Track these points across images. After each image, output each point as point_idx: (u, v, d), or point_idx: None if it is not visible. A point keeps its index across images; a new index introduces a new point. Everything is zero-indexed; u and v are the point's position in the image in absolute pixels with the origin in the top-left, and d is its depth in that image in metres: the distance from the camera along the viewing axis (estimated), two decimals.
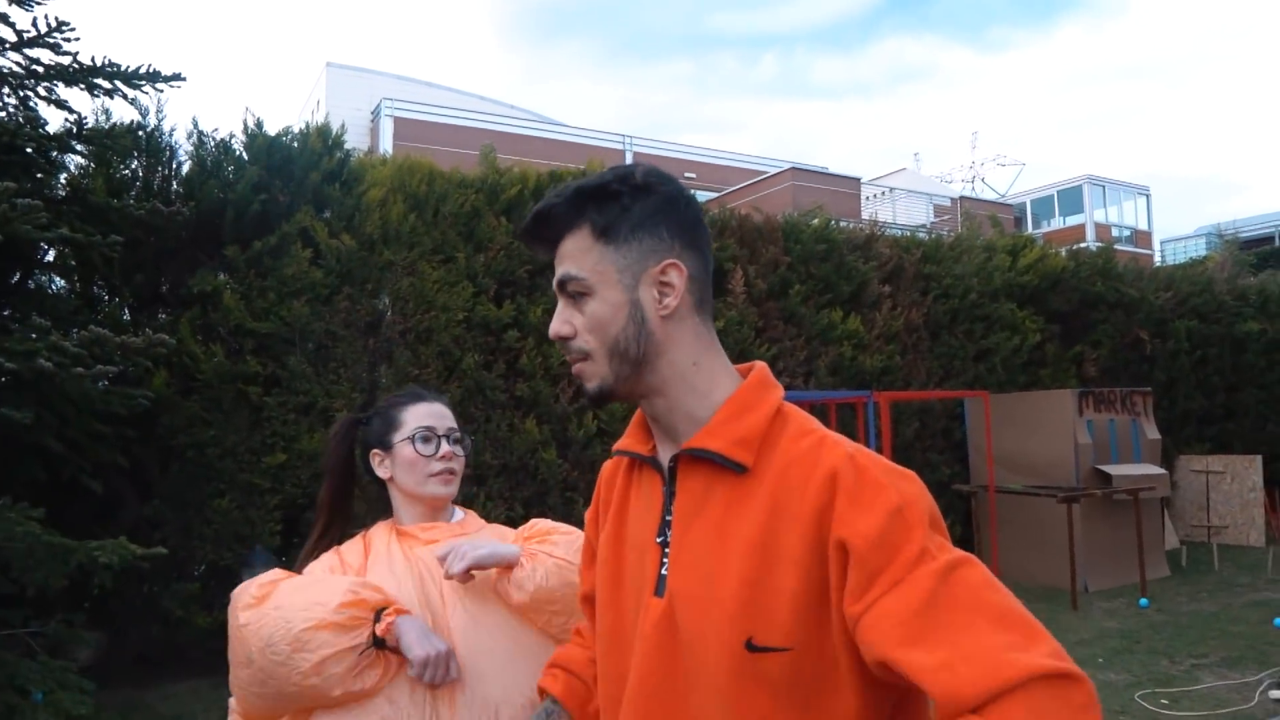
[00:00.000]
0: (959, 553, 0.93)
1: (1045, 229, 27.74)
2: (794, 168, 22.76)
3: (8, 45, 4.46)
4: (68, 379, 3.91)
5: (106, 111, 5.91)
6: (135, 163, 5.89)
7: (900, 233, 9.75)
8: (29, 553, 3.71)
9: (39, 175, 4.91)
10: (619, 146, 23.43)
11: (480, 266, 6.32)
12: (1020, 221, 28.35)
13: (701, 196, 16.54)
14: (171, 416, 5.43)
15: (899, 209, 25.81)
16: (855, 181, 23.83)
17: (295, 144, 6.04)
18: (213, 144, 5.99)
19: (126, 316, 5.76)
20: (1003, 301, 8.93)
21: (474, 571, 1.59)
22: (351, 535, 1.77)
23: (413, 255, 6.10)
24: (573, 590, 1.56)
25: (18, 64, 4.59)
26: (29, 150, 4.63)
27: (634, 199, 1.09)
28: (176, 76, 5.03)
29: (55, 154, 5.00)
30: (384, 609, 1.51)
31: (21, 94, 4.67)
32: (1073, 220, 28.10)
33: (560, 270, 1.12)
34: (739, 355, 6.33)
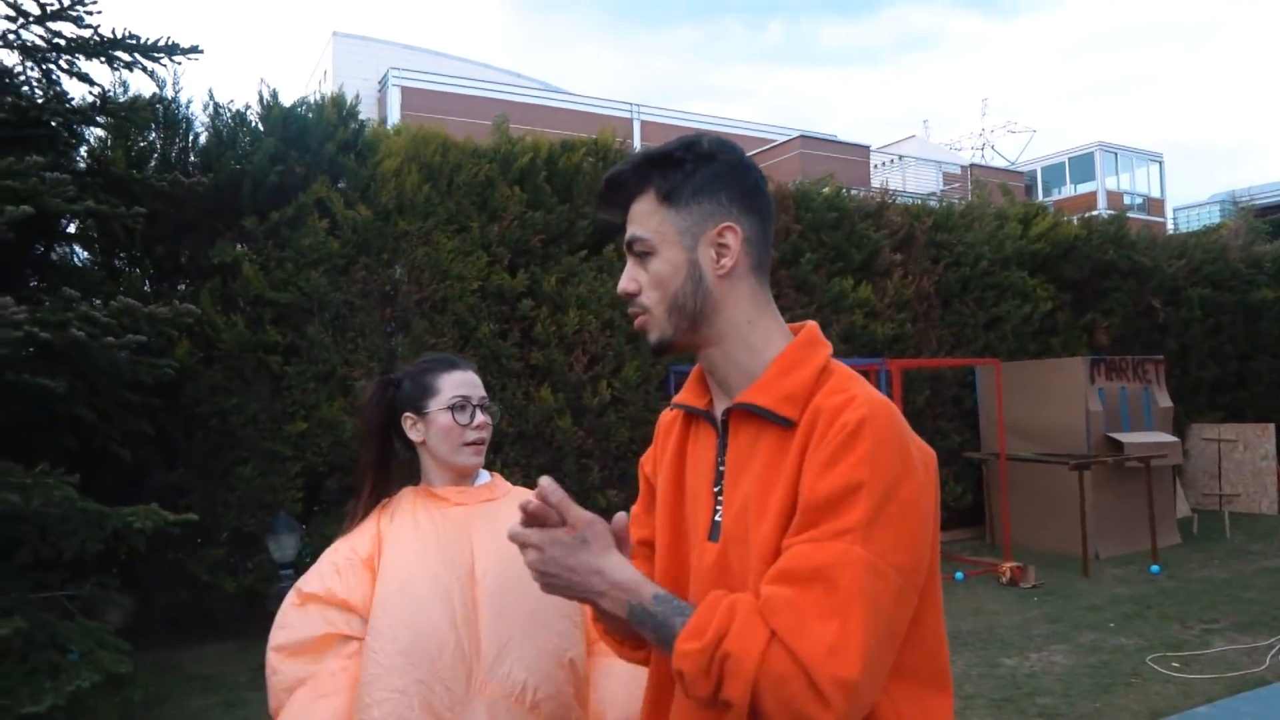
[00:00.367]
0: (882, 561, 1.00)
1: (1056, 196, 27.57)
2: (802, 135, 22.65)
3: (31, 19, 4.51)
4: (98, 349, 3.99)
5: (124, 84, 5.96)
6: (153, 135, 5.95)
7: (911, 201, 9.75)
8: (65, 518, 3.80)
9: (62, 149, 4.97)
10: (627, 115, 23.33)
11: (494, 236, 6.37)
12: (1031, 189, 28.20)
13: None
14: (195, 386, 5.52)
15: (908, 177, 25.69)
16: (864, 149, 23.72)
17: (310, 115, 6.08)
18: (229, 115, 6.04)
19: (147, 288, 5.84)
20: (1014, 269, 8.94)
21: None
22: (390, 495, 1.83)
23: (427, 225, 6.15)
24: None
25: (40, 37, 4.64)
26: (53, 124, 4.68)
27: (696, 165, 1.17)
28: (194, 49, 5.07)
29: (77, 127, 5.05)
30: None
31: (44, 67, 4.72)
32: (1084, 188, 27.91)
33: (629, 231, 1.21)
34: None
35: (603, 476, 6.60)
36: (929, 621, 1.10)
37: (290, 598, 1.71)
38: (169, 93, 5.92)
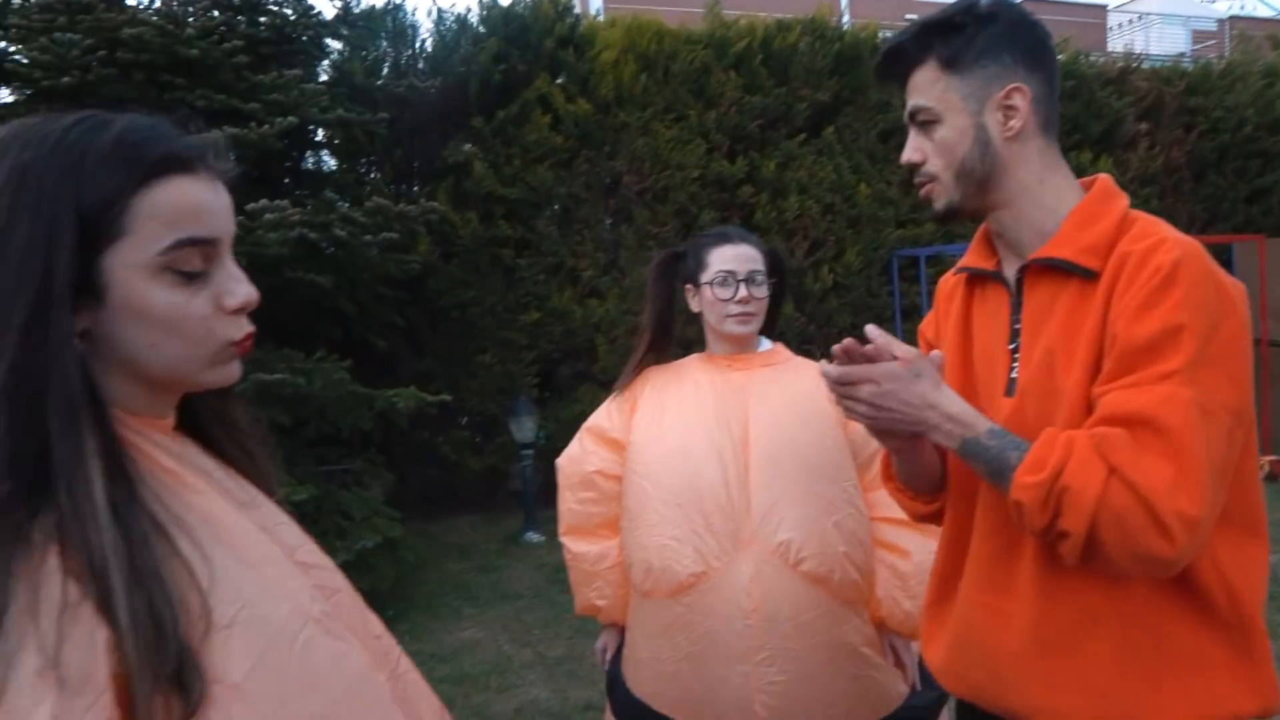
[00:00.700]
0: (1210, 402, 0.99)
1: None
2: None
3: None
4: (357, 246, 4.34)
5: None
6: (383, 44, 6.28)
7: (1159, 63, 8.85)
8: (339, 399, 4.24)
9: (310, 63, 5.34)
10: None
11: (712, 123, 6.34)
12: None
13: None
14: (436, 280, 5.90)
15: (1151, 38, 23.29)
16: (1100, 9, 21.68)
17: (527, 12, 6.21)
18: (451, 20, 6.28)
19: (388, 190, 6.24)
20: None
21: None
22: (669, 359, 2.00)
23: (646, 115, 6.20)
24: None
25: None
26: (304, 39, 5.01)
27: (977, 29, 1.16)
28: None
29: (323, 41, 5.39)
30: None
31: None
32: None
33: (911, 102, 1.21)
34: None
35: (826, 363, 6.58)
36: (1245, 466, 1.08)
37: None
38: (395, 0, 6.21)
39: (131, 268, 0.78)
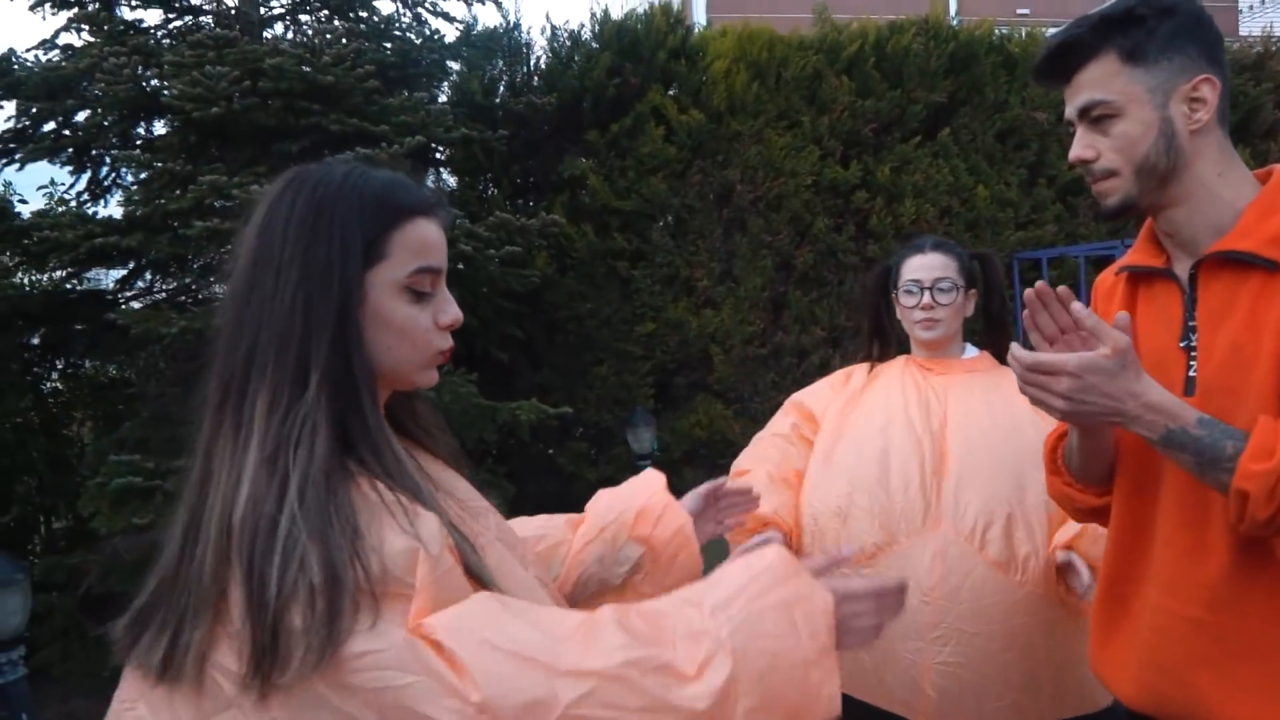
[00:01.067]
0: None
1: None
2: None
3: None
4: (480, 261, 4.46)
5: (474, 18, 6.48)
6: (499, 63, 6.44)
7: None
8: (465, 411, 4.36)
9: (433, 84, 5.52)
10: None
11: (825, 129, 6.28)
12: None
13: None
14: (553, 292, 6.00)
15: None
16: None
17: (640, 25, 6.27)
18: (564, 36, 6.39)
19: (506, 206, 6.39)
20: None
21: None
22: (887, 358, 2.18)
23: (758, 124, 6.19)
24: None
25: None
26: (426, 62, 5.19)
27: (1159, 21, 1.14)
28: None
29: (445, 62, 5.57)
30: None
31: (415, 10, 5.23)
32: None
33: (1081, 98, 1.19)
34: None
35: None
36: None
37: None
38: (511, 19, 6.37)
39: (384, 285, 0.99)
